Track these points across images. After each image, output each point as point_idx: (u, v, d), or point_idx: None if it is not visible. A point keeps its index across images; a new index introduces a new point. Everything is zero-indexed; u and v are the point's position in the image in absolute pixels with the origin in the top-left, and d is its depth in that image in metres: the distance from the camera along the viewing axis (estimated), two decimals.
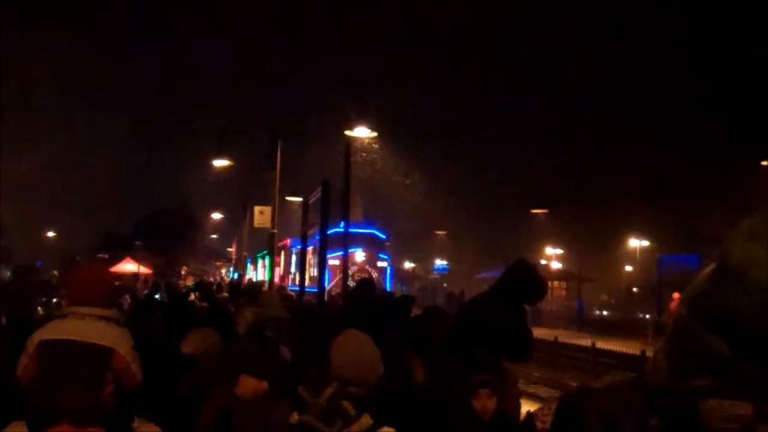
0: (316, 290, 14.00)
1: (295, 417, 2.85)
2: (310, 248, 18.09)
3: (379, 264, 24.97)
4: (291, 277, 26.07)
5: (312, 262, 20.83)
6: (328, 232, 12.60)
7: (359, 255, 24.05)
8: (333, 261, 18.87)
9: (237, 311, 6.29)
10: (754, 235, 1.84)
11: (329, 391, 2.87)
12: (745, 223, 1.88)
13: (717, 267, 1.92)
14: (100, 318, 3.32)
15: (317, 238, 13.03)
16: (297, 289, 16.60)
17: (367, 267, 23.88)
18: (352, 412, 2.81)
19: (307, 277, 18.57)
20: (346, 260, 13.26)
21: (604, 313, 36.32)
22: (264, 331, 4.87)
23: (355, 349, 3.05)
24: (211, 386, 3.62)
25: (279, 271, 26.78)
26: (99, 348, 3.19)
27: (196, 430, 3.50)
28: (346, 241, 12.68)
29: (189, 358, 4.25)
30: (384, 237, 26.48)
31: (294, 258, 25.29)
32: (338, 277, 16.40)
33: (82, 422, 2.96)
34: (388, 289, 21.36)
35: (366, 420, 2.82)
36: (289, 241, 26.41)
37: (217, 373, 3.62)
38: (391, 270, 26.67)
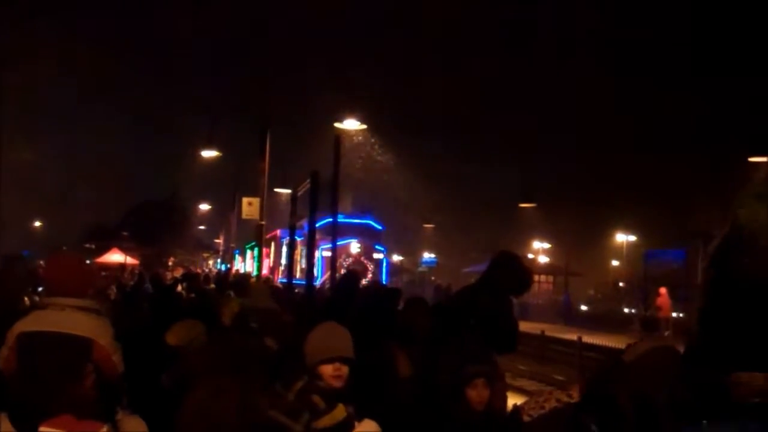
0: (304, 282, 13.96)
1: (266, 412, 2.81)
2: (301, 239, 17.91)
3: (375, 256, 24.40)
4: (281, 269, 25.85)
5: (304, 253, 20.63)
6: (321, 223, 12.57)
7: (354, 246, 23.49)
8: (328, 252, 18.62)
9: (223, 302, 6.25)
10: (762, 196, 1.88)
11: (298, 385, 2.83)
12: (755, 184, 1.94)
13: (729, 227, 1.97)
14: (80, 309, 3.28)
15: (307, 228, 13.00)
16: (286, 281, 16.53)
17: (362, 259, 23.41)
18: (322, 405, 2.77)
19: (297, 269, 18.37)
20: (335, 251, 13.25)
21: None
22: (249, 322, 4.84)
23: (325, 339, 3.00)
24: (198, 378, 3.56)
25: (268, 262, 26.59)
26: (79, 339, 3.16)
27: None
28: (335, 232, 12.68)
29: (173, 350, 4.21)
30: (380, 228, 25.94)
31: (285, 249, 25.03)
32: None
33: (68, 414, 2.92)
34: (384, 282, 20.96)
35: (339, 413, 2.78)
36: (279, 232, 26.19)
37: (216, 364, 3.53)
38: (387, 262, 26.21)
